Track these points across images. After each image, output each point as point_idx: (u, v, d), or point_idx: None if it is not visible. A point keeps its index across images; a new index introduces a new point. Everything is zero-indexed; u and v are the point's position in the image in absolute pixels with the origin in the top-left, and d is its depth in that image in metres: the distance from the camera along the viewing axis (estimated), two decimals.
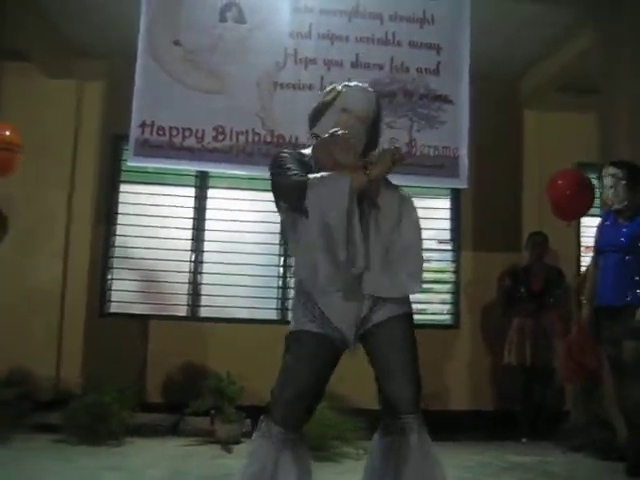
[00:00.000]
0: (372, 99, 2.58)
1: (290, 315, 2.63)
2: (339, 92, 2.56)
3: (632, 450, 4.19)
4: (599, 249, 4.54)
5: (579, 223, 6.77)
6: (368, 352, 2.49)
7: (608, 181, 4.40)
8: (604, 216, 4.64)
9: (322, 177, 2.32)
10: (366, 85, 2.63)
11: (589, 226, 6.57)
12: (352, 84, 2.60)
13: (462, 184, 5.12)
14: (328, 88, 2.65)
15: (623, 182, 4.34)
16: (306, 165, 2.46)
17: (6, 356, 5.64)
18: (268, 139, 4.69)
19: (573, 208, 5.41)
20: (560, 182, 5.45)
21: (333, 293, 2.41)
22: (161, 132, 4.69)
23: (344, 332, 2.42)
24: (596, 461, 4.62)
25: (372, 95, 2.60)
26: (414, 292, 2.51)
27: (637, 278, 4.21)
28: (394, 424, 2.40)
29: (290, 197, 2.39)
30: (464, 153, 4.94)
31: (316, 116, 2.59)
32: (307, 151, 2.57)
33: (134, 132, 4.70)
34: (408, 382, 2.41)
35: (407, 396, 2.39)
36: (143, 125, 4.69)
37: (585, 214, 5.64)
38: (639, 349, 4.13)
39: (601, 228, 4.58)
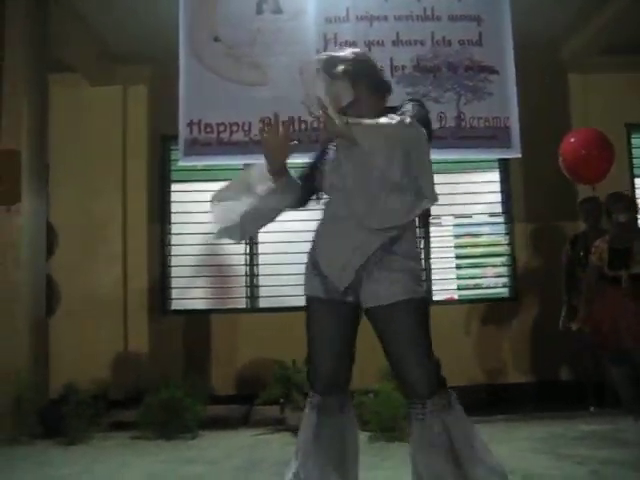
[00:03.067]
0: (346, 55, 2.53)
1: None
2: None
3: None
4: None
5: (633, 183, 6.65)
6: (375, 330, 2.44)
7: None
8: None
9: None
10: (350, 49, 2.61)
11: None
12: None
13: (516, 153, 5.06)
14: None
15: None
16: None
17: (78, 359, 5.84)
18: (315, 125, 4.71)
19: (592, 169, 5.16)
20: (573, 140, 5.21)
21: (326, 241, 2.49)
22: (209, 129, 4.77)
23: (334, 278, 2.44)
24: None
25: (348, 52, 2.56)
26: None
27: None
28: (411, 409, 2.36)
29: None
30: (515, 122, 4.89)
31: None
32: None
33: (183, 132, 4.78)
34: (414, 366, 2.32)
35: (416, 382, 2.32)
36: (191, 124, 4.77)
37: (605, 175, 5.32)
38: None
39: None
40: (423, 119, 2.39)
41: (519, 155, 5.11)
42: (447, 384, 2.38)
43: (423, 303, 2.41)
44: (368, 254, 2.37)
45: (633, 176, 6.69)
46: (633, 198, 5.77)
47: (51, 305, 5.85)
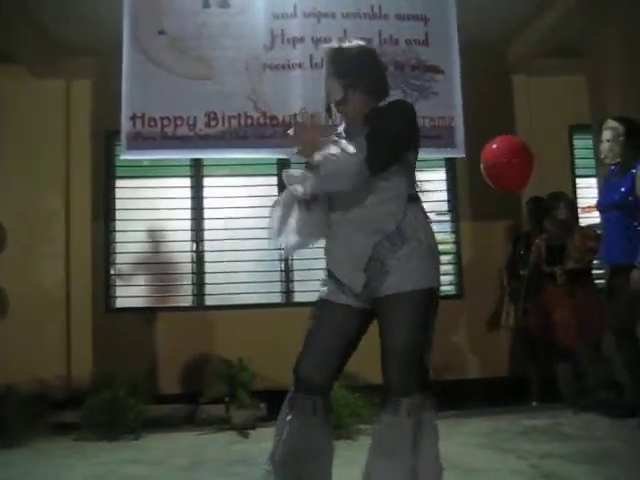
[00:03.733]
0: (347, 52, 2.54)
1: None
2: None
3: None
4: (599, 208, 4.54)
5: (575, 183, 6.79)
6: (378, 321, 2.45)
7: (606, 134, 4.37)
8: (608, 173, 4.57)
9: None
10: (336, 44, 2.60)
11: (586, 187, 6.62)
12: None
13: (460, 153, 5.11)
14: None
15: (621, 138, 4.30)
16: None
17: (17, 358, 5.67)
18: (261, 121, 4.65)
19: (511, 177, 5.01)
20: (495, 147, 5.04)
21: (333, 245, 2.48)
22: (152, 123, 4.66)
23: (346, 282, 2.42)
24: (608, 419, 4.63)
25: (352, 47, 2.56)
26: None
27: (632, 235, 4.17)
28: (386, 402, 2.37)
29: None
30: (459, 122, 4.93)
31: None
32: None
33: (125, 125, 4.66)
34: (399, 365, 2.34)
35: (395, 378, 2.34)
36: (134, 118, 4.66)
37: (525, 184, 5.19)
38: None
39: (603, 185, 4.57)
40: (379, 136, 2.36)
41: (463, 155, 5.16)
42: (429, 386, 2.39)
43: (425, 295, 2.38)
44: (369, 253, 2.37)
45: (575, 176, 6.83)
46: (572, 198, 5.91)
47: None
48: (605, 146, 4.38)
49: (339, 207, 2.46)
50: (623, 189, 4.26)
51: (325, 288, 2.51)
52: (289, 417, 2.43)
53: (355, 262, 2.40)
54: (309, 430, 2.43)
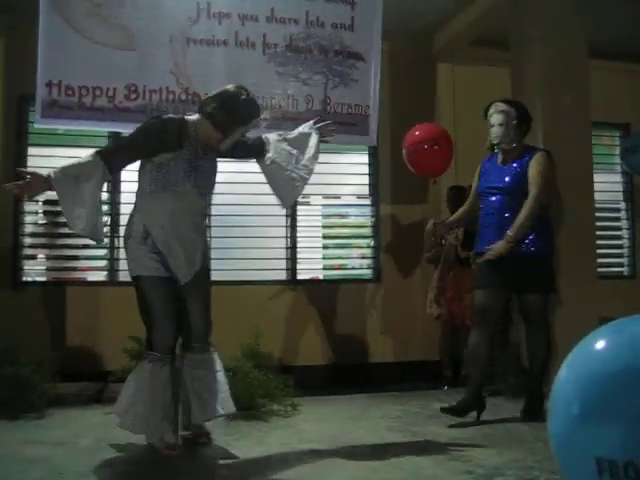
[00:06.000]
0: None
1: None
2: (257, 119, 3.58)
3: (526, 396, 4.42)
4: (481, 192, 4.37)
5: None
6: (188, 291, 3.50)
7: (498, 118, 4.15)
8: (487, 158, 4.46)
9: None
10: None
11: None
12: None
13: (372, 142, 5.19)
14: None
15: (514, 122, 4.15)
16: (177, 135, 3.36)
17: None
18: (183, 97, 4.55)
19: (431, 163, 5.30)
20: (418, 133, 5.25)
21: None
22: (70, 92, 4.47)
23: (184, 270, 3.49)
24: (514, 404, 4.76)
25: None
26: None
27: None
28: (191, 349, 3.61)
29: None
30: (375, 111, 4.99)
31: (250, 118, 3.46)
32: (192, 118, 3.47)
33: (40, 92, 4.46)
34: (208, 317, 3.63)
35: (205, 328, 3.61)
36: (50, 85, 4.46)
37: (443, 171, 5.48)
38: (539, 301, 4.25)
39: (483, 170, 4.42)
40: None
41: (375, 144, 5.30)
42: None
43: None
44: (204, 250, 3.62)
45: None
46: None
47: None
48: (498, 130, 4.15)
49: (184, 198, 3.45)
50: (514, 173, 4.18)
51: (151, 266, 3.39)
52: (156, 370, 3.42)
53: (195, 259, 3.49)
54: (171, 376, 3.47)
